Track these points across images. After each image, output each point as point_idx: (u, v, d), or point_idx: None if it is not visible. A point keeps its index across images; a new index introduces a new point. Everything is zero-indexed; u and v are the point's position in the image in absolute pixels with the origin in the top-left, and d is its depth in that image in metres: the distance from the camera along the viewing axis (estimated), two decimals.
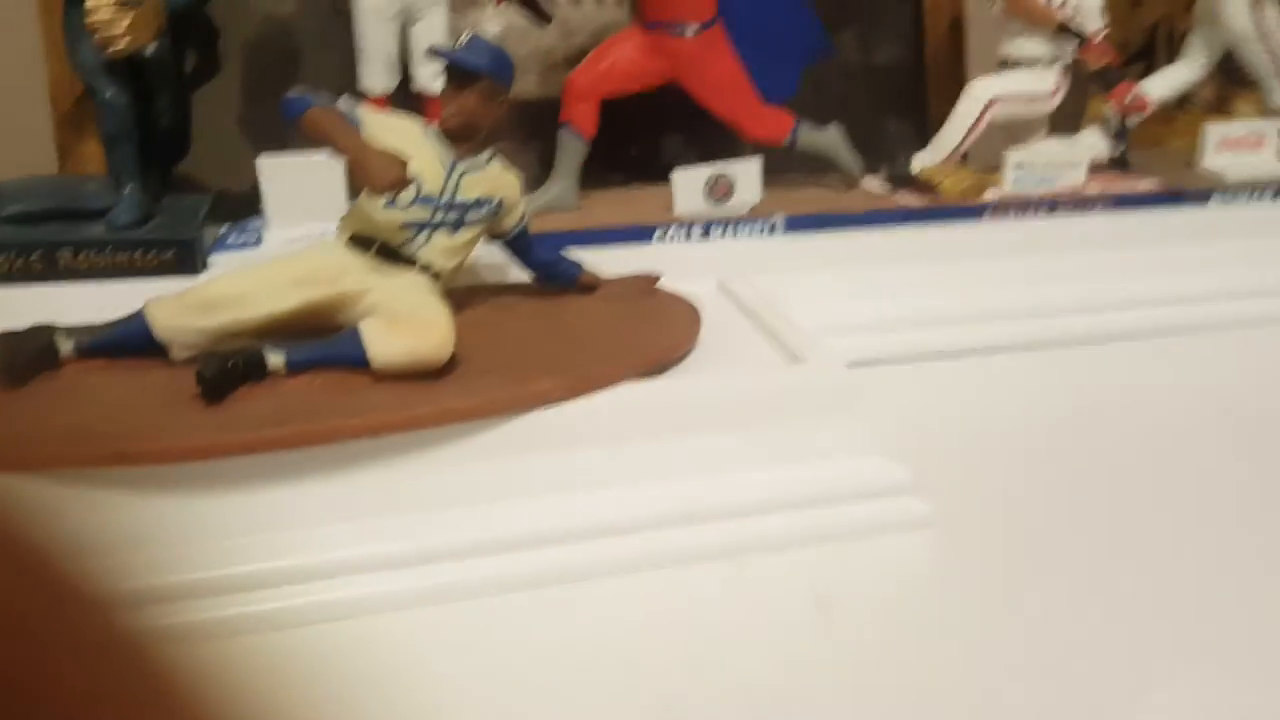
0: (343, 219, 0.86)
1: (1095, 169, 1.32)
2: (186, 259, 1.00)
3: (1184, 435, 0.94)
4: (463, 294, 0.95)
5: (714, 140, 1.37)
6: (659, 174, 1.25)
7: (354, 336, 0.77)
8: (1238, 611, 0.69)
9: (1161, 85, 1.44)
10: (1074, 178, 1.27)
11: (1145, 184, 1.31)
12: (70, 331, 0.79)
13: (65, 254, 0.98)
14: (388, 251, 0.83)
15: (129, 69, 1.04)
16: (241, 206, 1.19)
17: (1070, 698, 0.61)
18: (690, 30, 1.17)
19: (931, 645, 0.66)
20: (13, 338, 0.76)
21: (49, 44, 1.18)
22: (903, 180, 1.30)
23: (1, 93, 1.22)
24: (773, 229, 1.19)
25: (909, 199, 1.26)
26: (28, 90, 1.23)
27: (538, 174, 1.26)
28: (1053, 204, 1.26)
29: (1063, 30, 1.28)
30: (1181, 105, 1.54)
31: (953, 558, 0.76)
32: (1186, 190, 1.30)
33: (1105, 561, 0.75)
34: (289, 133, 1.20)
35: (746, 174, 1.18)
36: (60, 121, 1.21)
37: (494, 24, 1.30)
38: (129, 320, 0.79)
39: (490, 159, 0.88)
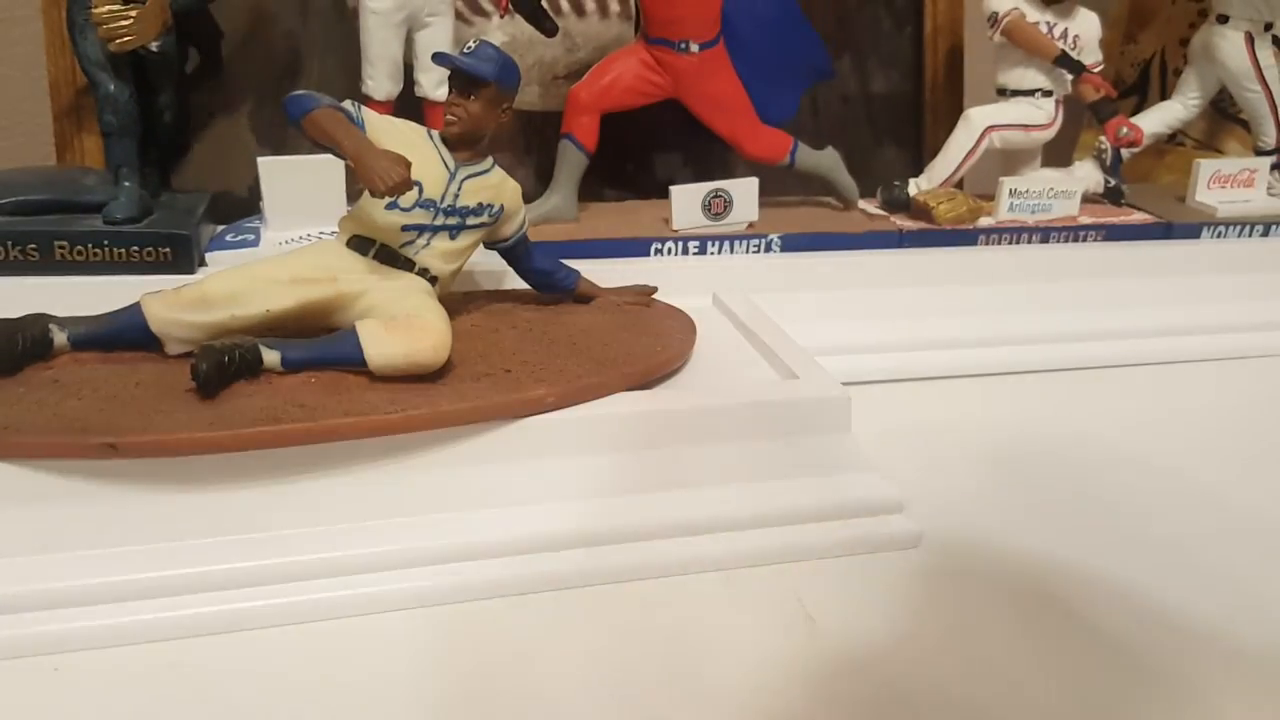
0: (343, 220, 0.86)
1: (1088, 200, 1.33)
2: (183, 256, 1.00)
3: (1171, 464, 0.95)
4: (460, 299, 0.96)
5: (712, 158, 1.38)
6: (657, 189, 1.25)
7: (351, 337, 0.76)
8: (1229, 630, 0.70)
9: (1155, 120, 1.46)
10: (1068, 208, 1.28)
11: (1137, 216, 1.33)
12: (64, 322, 0.78)
13: (61, 246, 0.98)
14: (387, 254, 0.84)
15: (132, 64, 1.04)
16: (240, 206, 1.19)
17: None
18: (693, 48, 1.17)
19: (916, 664, 0.66)
20: (6, 327, 0.76)
21: (51, 34, 1.18)
22: (898, 204, 1.31)
23: (1, 82, 1.22)
24: (769, 247, 1.20)
25: (904, 223, 1.27)
26: (28, 81, 1.23)
27: (536, 185, 1.27)
28: (1046, 233, 1.28)
29: (1061, 61, 1.30)
30: (1172, 140, 1.57)
31: (941, 577, 0.76)
32: (1177, 224, 1.32)
33: (1094, 585, 0.76)
34: (289, 134, 1.21)
35: (744, 192, 1.18)
36: (59, 113, 1.20)
37: (499, 35, 1.31)
38: (124, 313, 0.78)
39: (492, 165, 0.88)
